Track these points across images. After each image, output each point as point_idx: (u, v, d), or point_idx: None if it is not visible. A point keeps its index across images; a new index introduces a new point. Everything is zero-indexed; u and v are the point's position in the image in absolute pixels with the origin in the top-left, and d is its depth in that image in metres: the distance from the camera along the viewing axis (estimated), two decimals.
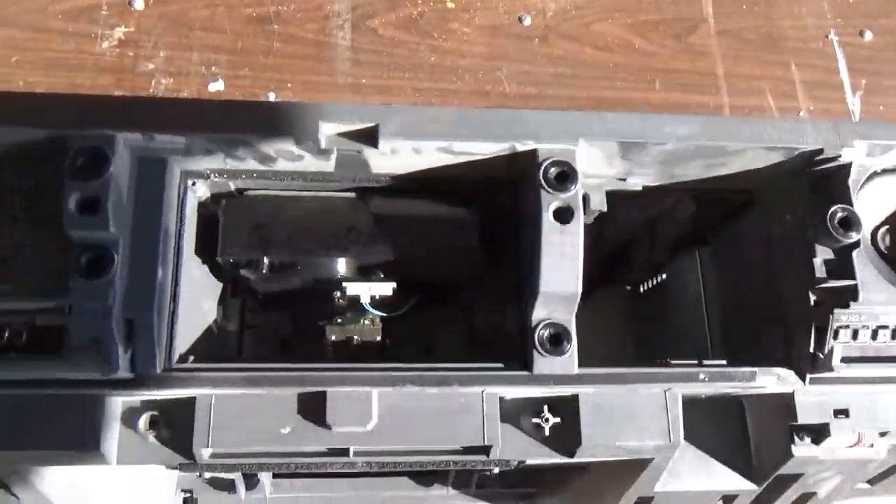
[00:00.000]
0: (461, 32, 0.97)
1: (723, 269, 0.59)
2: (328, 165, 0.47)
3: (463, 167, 0.47)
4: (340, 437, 0.47)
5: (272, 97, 0.94)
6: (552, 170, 0.44)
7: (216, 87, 0.95)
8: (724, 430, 0.57)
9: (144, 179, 0.46)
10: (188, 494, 0.71)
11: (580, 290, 0.45)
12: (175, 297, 0.47)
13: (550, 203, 0.44)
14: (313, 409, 0.47)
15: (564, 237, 0.44)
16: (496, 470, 0.53)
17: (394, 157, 0.46)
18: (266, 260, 0.50)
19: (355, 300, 0.52)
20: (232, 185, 0.50)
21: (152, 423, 0.49)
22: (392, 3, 0.97)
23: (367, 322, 0.52)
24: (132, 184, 0.44)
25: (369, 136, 0.44)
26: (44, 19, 0.93)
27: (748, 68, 1.00)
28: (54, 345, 0.45)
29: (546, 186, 0.44)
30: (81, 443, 0.47)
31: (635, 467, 0.52)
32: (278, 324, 0.60)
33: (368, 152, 0.45)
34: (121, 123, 0.43)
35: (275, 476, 0.69)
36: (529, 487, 0.74)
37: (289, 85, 0.97)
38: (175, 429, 0.49)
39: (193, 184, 0.48)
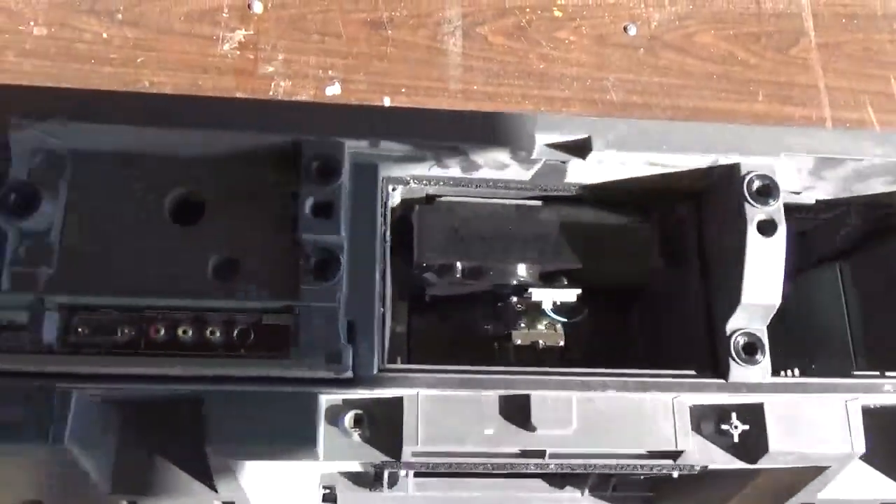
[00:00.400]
0: (568, 41, 0.98)
1: (865, 284, 0.59)
2: (527, 174, 0.49)
3: (653, 178, 0.48)
4: (541, 440, 0.48)
5: (387, 102, 0.96)
6: (756, 183, 0.45)
7: (333, 90, 0.97)
8: (880, 436, 0.57)
9: (359, 185, 0.47)
10: (328, 490, 0.72)
11: (780, 300, 0.45)
12: (384, 299, 0.48)
13: (754, 216, 0.46)
14: (516, 411, 0.48)
15: (767, 249, 0.46)
16: (675, 474, 0.54)
17: (593, 168, 0.47)
18: (459, 265, 0.50)
19: (535, 305, 0.53)
20: (424, 191, 0.51)
21: (356, 422, 0.50)
22: (501, 11, 0.98)
23: (548, 327, 0.53)
24: (350, 189, 0.45)
25: (580, 148, 0.45)
26: (168, 21, 0.95)
27: (848, 82, 1.01)
28: (278, 345, 0.46)
29: (750, 200, 0.45)
30: (304, 439, 0.47)
31: (806, 475, 0.53)
32: (439, 326, 0.61)
33: (573, 163, 0.46)
34: (348, 130, 0.44)
35: (416, 475, 0.70)
36: (649, 492, 0.74)
37: (403, 90, 0.98)
38: (378, 427, 0.50)
39: (394, 189, 0.49)
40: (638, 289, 0.60)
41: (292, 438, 0.48)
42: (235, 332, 0.47)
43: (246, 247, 0.47)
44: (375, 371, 0.48)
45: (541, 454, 0.51)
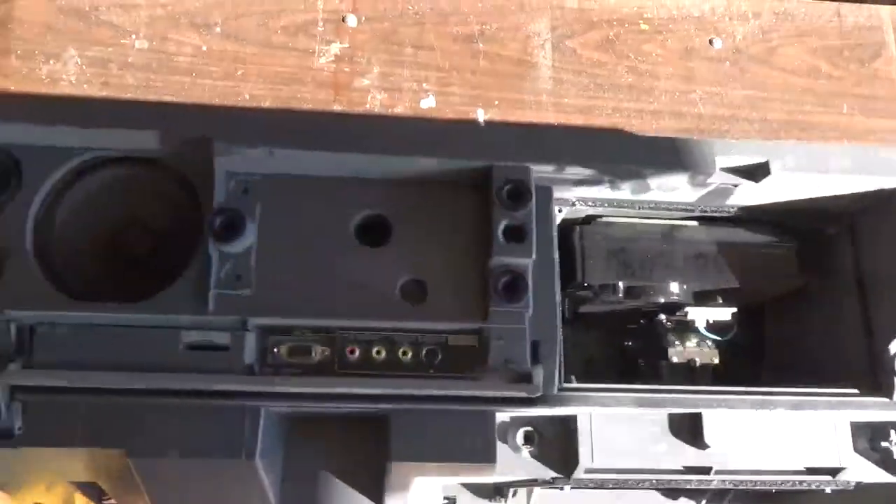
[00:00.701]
0: (655, 55, 0.98)
1: None
2: (694, 196, 0.49)
3: (810, 199, 0.49)
4: (710, 457, 0.49)
5: (481, 114, 0.96)
6: None
7: (428, 103, 0.97)
8: None
9: (537, 207, 0.48)
10: (448, 500, 0.73)
11: None
12: (562, 319, 0.49)
13: None
14: (687, 429, 0.49)
15: None
16: (829, 490, 0.55)
17: (758, 190, 0.48)
18: (621, 284, 0.51)
19: (685, 323, 0.54)
20: (585, 212, 0.52)
21: (526, 439, 0.51)
22: (589, 25, 0.99)
23: (699, 344, 0.54)
24: None
25: (756, 172, 0.46)
26: (266, 34, 0.96)
27: None
28: (465, 365, 0.47)
29: None
30: (484, 456, 0.48)
31: None
32: (587, 341, 0.62)
33: (744, 185, 0.47)
34: (534, 154, 0.45)
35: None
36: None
37: (496, 102, 0.99)
38: (547, 444, 0.51)
39: (560, 210, 0.50)
40: (787, 306, 0.61)
41: (473, 456, 0.49)
42: (423, 352, 0.48)
43: (432, 269, 0.49)
44: (556, 390, 0.49)
45: (707, 471, 0.52)
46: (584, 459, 0.50)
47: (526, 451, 0.52)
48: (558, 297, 0.49)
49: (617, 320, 0.61)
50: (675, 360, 0.55)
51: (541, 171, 0.48)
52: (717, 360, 0.56)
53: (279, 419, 0.52)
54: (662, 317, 0.57)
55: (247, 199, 0.48)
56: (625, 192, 0.51)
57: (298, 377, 0.46)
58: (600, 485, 0.53)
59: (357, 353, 0.47)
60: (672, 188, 0.51)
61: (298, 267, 0.48)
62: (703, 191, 0.51)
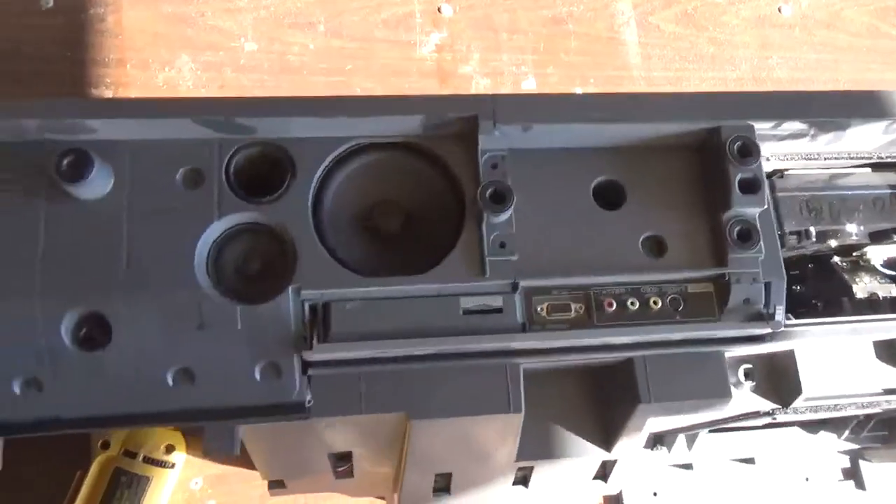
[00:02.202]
0: (732, 24, 1.05)
1: None
2: (875, 144, 0.54)
3: None
4: None
5: (579, 91, 1.01)
6: None
7: (529, 85, 1.02)
8: None
9: None
10: None
11: None
12: None
13: None
14: (889, 353, 0.54)
15: None
16: None
17: None
18: (813, 230, 0.57)
19: (859, 263, 0.59)
20: (772, 166, 0.57)
21: (746, 375, 0.56)
22: (667, 1, 1.04)
23: (882, 280, 0.59)
24: None
25: None
26: (368, 29, 1.00)
27: None
28: (705, 310, 0.52)
29: None
30: (719, 392, 0.54)
31: None
32: None
33: None
34: (758, 115, 0.50)
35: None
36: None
37: (591, 80, 1.05)
38: (764, 379, 0.56)
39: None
40: None
41: (711, 392, 0.54)
42: (668, 300, 0.53)
43: (668, 224, 0.53)
44: (783, 327, 0.54)
45: None
46: (806, 390, 0.55)
47: (747, 387, 0.57)
48: (779, 242, 0.54)
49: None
50: (859, 295, 0.61)
51: (759, 128, 0.53)
52: (894, 293, 0.62)
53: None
54: (836, 259, 0.63)
55: (496, 173, 0.52)
56: (819, 144, 0.57)
57: (567, 330, 0.51)
58: (813, 410, 0.59)
59: (614, 305, 0.52)
60: (863, 137, 0.56)
61: (549, 232, 0.52)
62: (889, 138, 0.57)
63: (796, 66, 1.07)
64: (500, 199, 0.50)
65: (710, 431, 0.80)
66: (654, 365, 0.54)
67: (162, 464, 0.77)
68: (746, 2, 1.09)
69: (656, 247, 0.54)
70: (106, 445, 0.76)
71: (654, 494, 0.86)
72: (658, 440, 0.80)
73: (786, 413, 0.58)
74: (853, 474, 0.89)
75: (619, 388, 0.56)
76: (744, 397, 0.58)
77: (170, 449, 0.77)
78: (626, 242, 0.54)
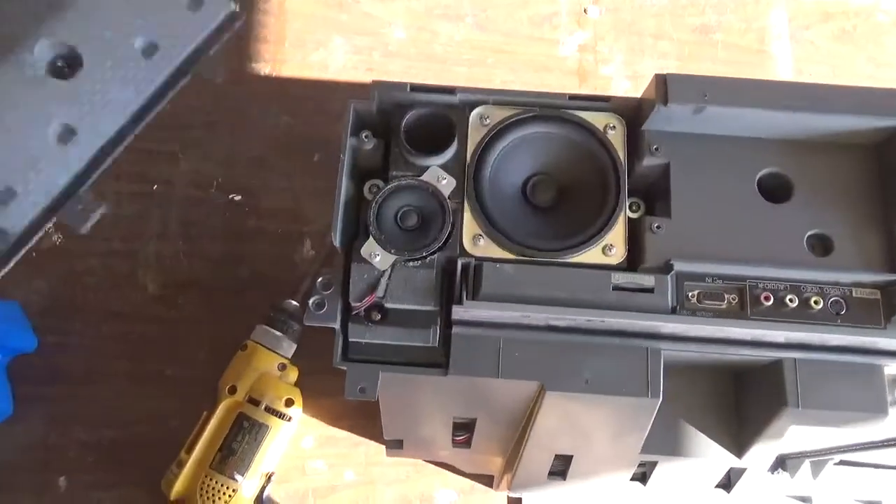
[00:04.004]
0: (894, 46, 0.98)
1: None
2: None
3: None
4: None
5: None
6: None
7: None
8: None
9: None
10: None
11: None
12: None
13: None
14: None
15: None
16: None
17: None
18: None
19: None
20: None
21: None
22: (825, 16, 1.00)
23: None
24: None
25: None
26: (513, 25, 1.02)
27: None
28: (870, 318, 0.50)
29: None
30: (878, 406, 0.50)
31: None
32: None
33: None
34: None
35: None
36: None
37: None
38: None
39: None
40: None
41: (865, 408, 0.51)
42: (829, 302, 0.50)
43: (836, 224, 0.51)
44: None
45: None
46: None
47: None
48: None
49: None
50: None
51: None
52: None
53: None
54: None
55: (657, 156, 0.52)
56: None
57: (719, 319, 0.50)
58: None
59: (771, 300, 0.50)
60: None
61: (709, 219, 0.52)
62: None
63: None
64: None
65: (838, 464, 0.75)
66: (806, 369, 0.52)
67: (281, 415, 0.80)
68: None
69: (822, 245, 0.52)
70: (233, 390, 0.80)
71: None
72: (780, 464, 0.76)
73: None
74: None
75: (765, 390, 0.54)
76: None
77: (289, 402, 0.80)
78: (790, 238, 0.52)
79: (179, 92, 0.52)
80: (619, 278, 0.50)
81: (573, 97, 0.54)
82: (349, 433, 0.88)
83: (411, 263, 0.51)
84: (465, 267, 0.51)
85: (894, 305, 0.49)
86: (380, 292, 0.51)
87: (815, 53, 1.06)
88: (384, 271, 0.51)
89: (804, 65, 1.04)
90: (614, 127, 0.54)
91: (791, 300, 0.50)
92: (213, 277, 0.91)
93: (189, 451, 0.80)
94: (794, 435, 0.55)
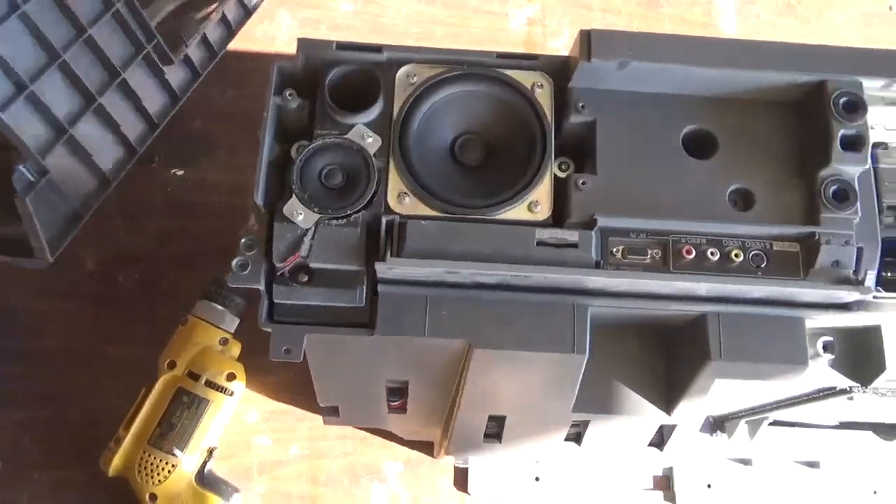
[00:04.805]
0: (837, 20, 1.00)
1: None
2: None
3: None
4: None
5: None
6: None
7: None
8: None
9: None
10: None
11: None
12: None
13: None
14: None
15: None
16: None
17: None
18: None
19: None
20: (876, 138, 0.54)
21: (825, 348, 0.54)
22: None
23: None
24: None
25: None
26: None
27: None
28: (789, 270, 0.50)
29: None
30: (795, 360, 0.51)
31: None
32: None
33: None
34: (867, 72, 0.47)
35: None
36: None
37: None
38: (844, 354, 0.54)
39: None
40: None
41: (785, 359, 0.52)
42: (750, 255, 0.51)
43: (758, 178, 0.52)
44: (872, 297, 0.52)
45: None
46: (891, 368, 0.52)
47: (826, 360, 0.55)
48: (877, 207, 0.52)
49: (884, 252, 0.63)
50: None
51: (867, 87, 0.51)
52: None
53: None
54: None
55: (583, 113, 0.52)
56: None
57: (642, 272, 0.50)
58: (893, 392, 0.56)
59: (693, 254, 0.51)
60: None
61: (633, 175, 0.52)
62: None
63: None
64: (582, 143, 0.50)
65: (774, 424, 0.77)
66: (728, 322, 0.52)
67: (222, 389, 0.79)
68: None
69: (743, 200, 0.52)
70: (172, 365, 0.78)
71: (709, 486, 0.83)
72: (718, 426, 0.77)
73: (864, 392, 0.55)
74: None
75: (689, 345, 0.54)
76: (820, 371, 0.55)
77: (231, 377, 0.79)
78: (713, 193, 0.52)
79: None
80: (544, 234, 0.50)
81: (501, 55, 0.54)
82: (295, 408, 0.87)
83: (335, 222, 0.51)
84: (390, 224, 0.51)
85: (812, 258, 0.51)
86: (303, 252, 0.51)
87: (759, 27, 1.07)
88: (307, 230, 0.51)
89: (749, 38, 1.05)
90: (542, 85, 0.54)
91: (712, 254, 0.51)
92: (155, 253, 0.90)
93: (127, 427, 0.79)
94: (720, 390, 0.56)
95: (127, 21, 0.74)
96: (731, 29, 1.02)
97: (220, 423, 0.81)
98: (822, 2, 1.05)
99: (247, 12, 0.92)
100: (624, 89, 0.53)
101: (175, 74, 0.81)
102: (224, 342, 0.81)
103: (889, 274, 0.65)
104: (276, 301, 0.53)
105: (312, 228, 0.51)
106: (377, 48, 0.54)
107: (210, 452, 0.79)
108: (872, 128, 0.57)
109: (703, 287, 0.51)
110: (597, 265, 0.50)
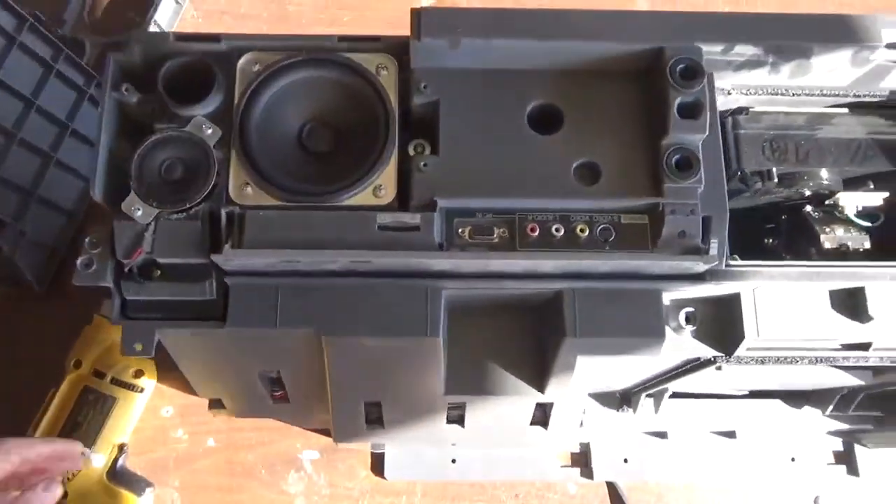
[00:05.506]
0: None
1: None
2: (849, 79, 0.50)
3: None
4: (869, 333, 0.50)
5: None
6: None
7: None
8: None
9: None
10: None
11: None
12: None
13: None
14: (847, 304, 0.50)
15: None
16: None
17: None
18: (776, 171, 0.53)
19: (833, 213, 0.55)
20: (738, 102, 0.53)
21: (687, 319, 0.53)
22: None
23: (853, 231, 0.55)
24: None
25: None
26: None
27: None
28: (638, 242, 0.50)
29: None
30: (653, 333, 0.51)
31: None
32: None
33: None
34: (705, 37, 0.46)
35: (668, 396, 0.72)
36: (879, 412, 0.76)
37: None
38: (707, 324, 0.53)
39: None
40: None
41: (644, 331, 0.52)
42: (598, 230, 0.50)
43: (604, 152, 0.51)
44: (724, 266, 0.51)
45: (866, 347, 0.54)
46: (749, 337, 0.52)
47: (688, 331, 0.54)
48: (725, 176, 0.51)
49: (757, 219, 0.63)
50: (827, 245, 0.57)
51: (707, 52, 0.50)
52: (868, 245, 0.57)
53: (447, 306, 0.55)
54: (809, 208, 0.59)
55: (425, 94, 0.51)
56: (783, 76, 0.53)
57: (487, 252, 0.49)
58: (760, 361, 0.55)
59: (537, 231, 0.50)
60: (831, 69, 0.52)
61: (478, 154, 0.51)
62: (861, 71, 0.53)
63: (824, 6, 1.00)
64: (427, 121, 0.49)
65: (678, 396, 0.77)
66: (584, 299, 0.52)
67: (130, 386, 0.79)
68: None
69: (589, 174, 0.51)
70: (78, 364, 0.78)
71: (625, 461, 0.83)
72: (625, 401, 0.77)
73: (729, 362, 0.55)
74: (846, 459, 0.84)
75: (549, 323, 0.54)
76: (685, 343, 0.55)
77: (139, 374, 0.79)
78: (559, 168, 0.51)
79: None
80: (385, 218, 0.49)
81: (342, 38, 0.53)
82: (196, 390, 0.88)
83: (175, 216, 0.50)
84: (230, 215, 0.50)
85: (659, 229, 0.50)
86: (146, 247, 0.50)
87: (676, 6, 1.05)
88: (147, 225, 0.50)
89: (661, 5, 1.04)
90: (386, 67, 0.53)
91: (557, 230, 0.50)
92: (67, 252, 0.90)
93: (35, 427, 0.79)
94: (587, 366, 0.56)
95: (66, 75, 0.85)
96: (647, 4, 1.00)
97: (130, 420, 0.81)
98: None
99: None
100: (465, 67, 0.51)
101: None
102: None
103: (771, 241, 0.65)
104: (126, 298, 0.52)
105: (153, 223, 0.50)
106: (216, 38, 0.53)
107: (121, 449, 0.79)
108: (729, 93, 0.56)
109: (548, 264, 0.51)
110: (440, 247, 0.50)
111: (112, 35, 0.92)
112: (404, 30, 0.98)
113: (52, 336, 0.83)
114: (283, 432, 0.84)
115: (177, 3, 0.95)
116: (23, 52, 0.80)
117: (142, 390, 0.80)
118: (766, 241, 0.64)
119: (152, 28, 0.92)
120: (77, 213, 0.88)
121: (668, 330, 0.54)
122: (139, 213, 0.50)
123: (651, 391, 0.70)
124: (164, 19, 0.94)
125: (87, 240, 0.51)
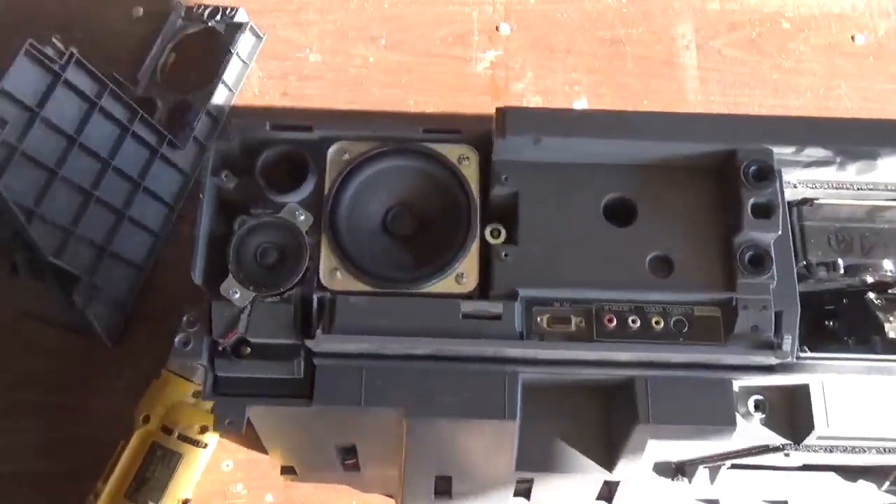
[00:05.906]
0: (799, 52, 1.01)
1: None
2: None
3: None
4: None
5: None
6: None
7: (580, 104, 1.02)
8: None
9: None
10: None
11: None
12: None
13: None
14: None
15: None
16: None
17: None
18: (841, 262, 0.55)
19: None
20: (803, 194, 0.55)
21: (757, 406, 0.55)
22: (732, 25, 1.03)
23: None
24: None
25: None
26: (426, 45, 1.04)
27: None
28: (710, 334, 0.51)
29: None
30: (724, 421, 0.52)
31: None
32: None
33: None
34: (775, 140, 0.48)
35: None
36: None
37: (645, 102, 1.04)
38: (776, 413, 0.54)
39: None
40: None
41: (714, 419, 0.53)
42: (672, 322, 0.52)
43: (677, 245, 0.53)
44: (794, 359, 0.53)
45: None
46: (819, 427, 0.53)
47: (757, 418, 0.56)
48: (795, 271, 0.53)
49: (816, 304, 0.64)
50: (892, 335, 0.58)
51: (778, 153, 0.52)
52: None
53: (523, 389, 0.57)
54: (871, 295, 0.60)
55: (506, 185, 0.53)
56: (849, 173, 0.55)
57: (566, 343, 0.51)
58: (828, 450, 0.56)
59: (615, 322, 0.52)
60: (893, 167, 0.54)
61: (555, 244, 0.53)
62: None
63: (867, 96, 1.02)
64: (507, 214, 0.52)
65: (735, 467, 0.78)
66: (656, 386, 0.53)
67: (195, 442, 0.81)
68: (816, 29, 1.05)
69: (663, 267, 0.53)
70: (147, 420, 0.81)
71: None
72: (679, 471, 0.78)
73: (797, 450, 0.56)
74: None
75: (621, 407, 0.55)
76: (753, 430, 0.56)
77: (203, 429, 0.82)
78: (633, 260, 0.53)
79: None
80: (468, 307, 0.52)
81: (427, 130, 0.56)
82: (269, 456, 0.90)
83: (269, 299, 0.53)
84: (321, 301, 0.53)
85: (732, 322, 0.52)
86: (241, 328, 0.53)
87: (720, 62, 1.08)
88: (243, 308, 0.53)
89: (710, 73, 1.06)
90: (468, 158, 0.56)
91: (634, 321, 0.52)
92: (134, 305, 0.93)
93: (105, 480, 0.82)
94: (657, 447, 0.57)
95: (141, 135, 0.89)
96: (693, 64, 1.03)
97: (194, 475, 0.83)
98: (783, 34, 1.05)
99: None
100: (544, 161, 0.54)
101: (184, 156, 0.94)
102: (197, 395, 0.83)
103: (832, 324, 0.66)
104: (218, 374, 0.55)
105: (248, 306, 0.53)
106: (308, 128, 0.56)
107: (185, 503, 0.81)
108: (795, 187, 0.58)
109: (626, 354, 0.52)
110: (521, 335, 0.52)
111: (182, 94, 0.97)
112: (458, 90, 1.02)
113: (121, 388, 0.87)
114: (340, 491, 0.85)
115: (244, 63, 0.99)
116: (102, 116, 0.84)
117: (206, 446, 0.82)
118: (826, 323, 0.65)
119: (220, 88, 0.97)
120: (144, 267, 0.91)
121: (737, 416, 0.56)
122: (237, 296, 0.53)
123: (710, 464, 0.71)
124: (231, 79, 0.98)
125: (184, 319, 0.54)
